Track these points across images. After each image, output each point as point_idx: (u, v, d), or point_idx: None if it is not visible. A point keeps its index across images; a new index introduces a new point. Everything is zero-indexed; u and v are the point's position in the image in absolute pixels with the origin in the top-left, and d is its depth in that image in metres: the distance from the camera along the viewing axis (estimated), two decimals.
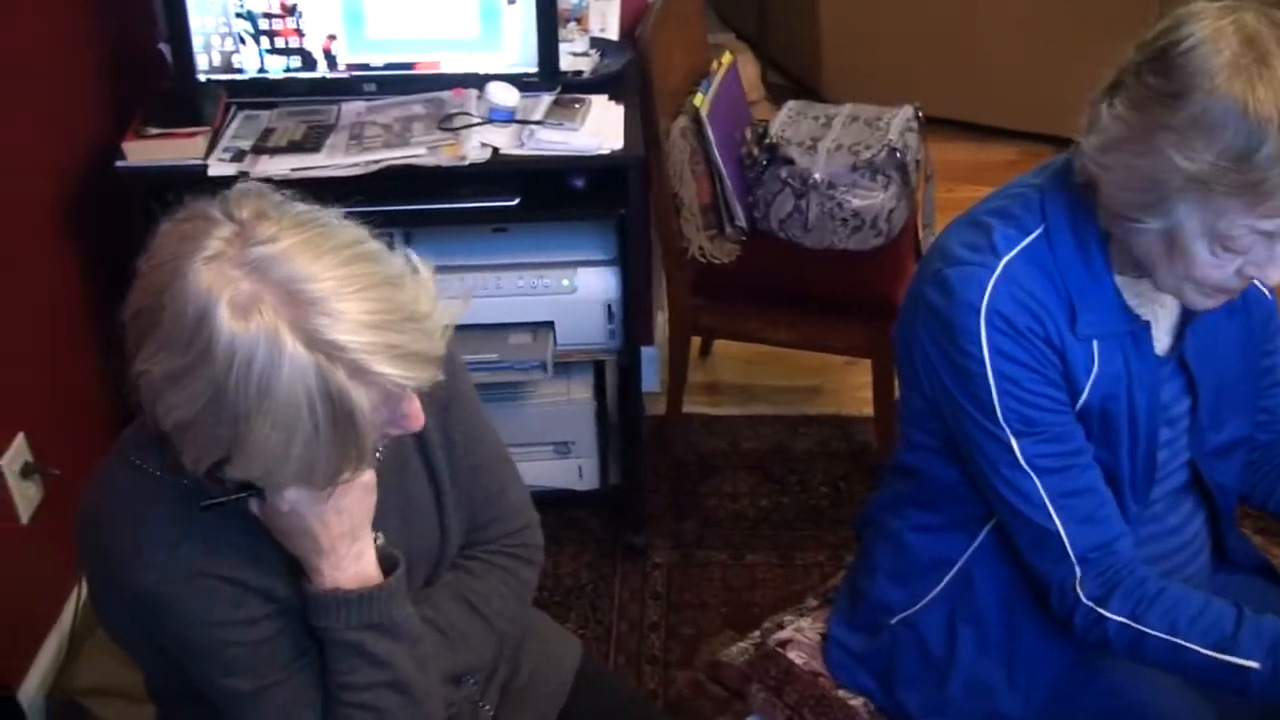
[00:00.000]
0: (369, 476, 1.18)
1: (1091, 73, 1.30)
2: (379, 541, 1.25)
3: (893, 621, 1.54)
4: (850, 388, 3.11)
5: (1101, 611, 1.32)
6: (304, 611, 1.20)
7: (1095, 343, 1.33)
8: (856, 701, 1.59)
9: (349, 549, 1.19)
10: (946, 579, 1.49)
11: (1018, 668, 1.46)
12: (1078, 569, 1.33)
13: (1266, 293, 1.48)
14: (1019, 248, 1.32)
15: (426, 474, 1.34)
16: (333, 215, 1.09)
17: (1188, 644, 1.28)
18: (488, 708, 1.44)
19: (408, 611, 1.24)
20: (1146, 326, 1.37)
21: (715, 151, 2.51)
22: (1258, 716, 1.46)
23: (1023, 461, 1.32)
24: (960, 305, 1.30)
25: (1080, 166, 1.28)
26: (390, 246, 2.26)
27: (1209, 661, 1.28)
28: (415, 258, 1.12)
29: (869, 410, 2.79)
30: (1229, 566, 1.59)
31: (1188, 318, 1.41)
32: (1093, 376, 1.33)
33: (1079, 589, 1.33)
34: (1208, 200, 1.17)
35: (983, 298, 1.29)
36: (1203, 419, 1.45)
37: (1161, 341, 1.41)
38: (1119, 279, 1.34)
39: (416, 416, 1.12)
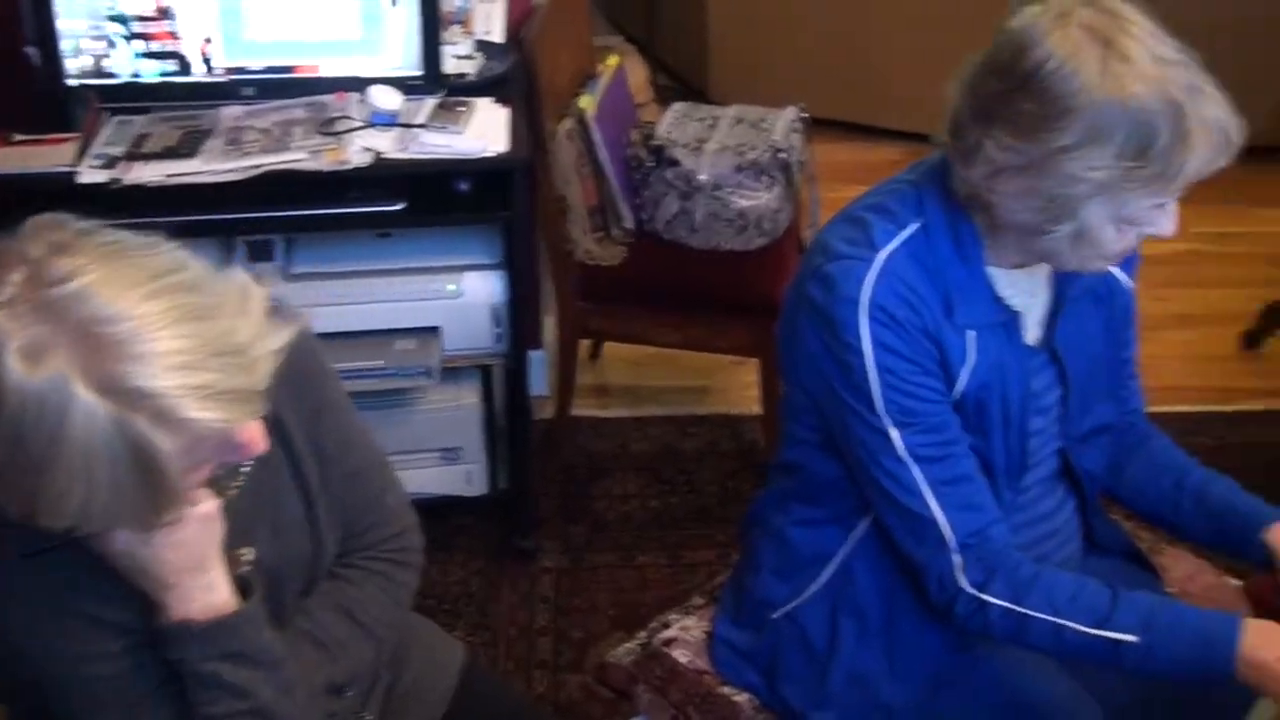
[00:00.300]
0: (208, 507, 1.13)
1: None
2: (248, 558, 1.22)
3: (775, 616, 1.55)
4: (738, 387, 3.12)
5: (984, 597, 1.34)
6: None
7: (970, 334, 1.36)
8: (741, 698, 1.59)
9: (195, 581, 1.14)
10: (827, 573, 1.50)
11: (898, 658, 1.48)
12: (957, 556, 1.35)
13: (1125, 281, 1.53)
14: (897, 242, 1.34)
15: (297, 485, 1.31)
16: (147, 240, 1.02)
17: (1069, 623, 1.30)
18: (369, 717, 1.42)
19: (266, 637, 1.20)
20: (1017, 317, 1.41)
21: (602, 153, 2.50)
22: (1130, 698, 1.51)
23: (902, 452, 1.33)
24: (840, 299, 1.32)
25: (968, 192, 1.31)
26: (270, 254, 2.24)
27: (1089, 639, 1.30)
28: (249, 278, 1.07)
29: (757, 409, 2.81)
30: (1098, 551, 1.63)
31: (1057, 308, 1.45)
32: (968, 366, 1.36)
33: (959, 576, 1.34)
34: (1115, 196, 1.23)
35: (862, 291, 1.31)
36: (1073, 406, 1.49)
37: (1032, 333, 1.45)
38: (991, 270, 1.38)
39: (253, 444, 1.07)
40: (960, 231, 1.35)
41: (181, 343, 0.96)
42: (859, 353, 1.31)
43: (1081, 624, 1.30)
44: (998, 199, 1.28)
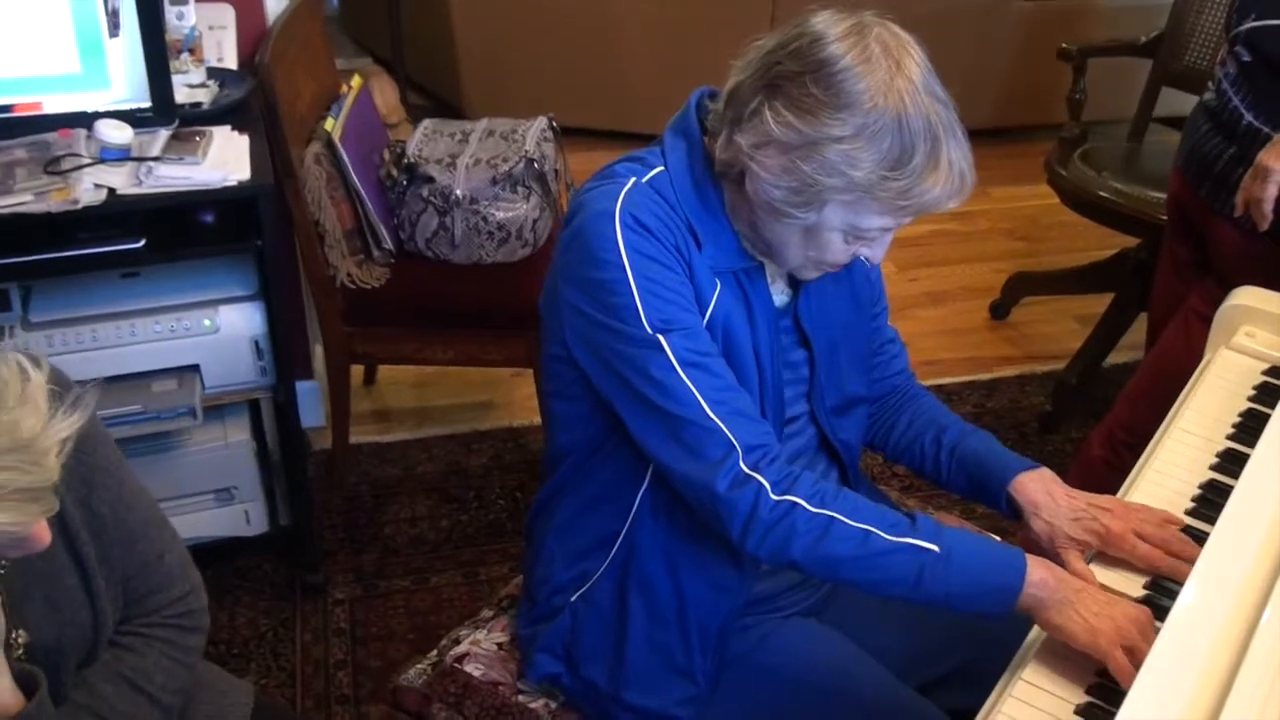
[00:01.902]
0: None
1: (711, 73, 1.35)
2: (21, 640, 1.17)
3: (572, 600, 1.54)
4: (520, 399, 3.13)
5: (791, 498, 1.31)
6: None
7: (715, 274, 1.39)
8: (537, 704, 1.59)
9: None
10: (613, 550, 1.50)
11: (689, 622, 1.48)
12: (745, 457, 1.31)
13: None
14: (644, 177, 1.38)
15: (71, 558, 1.25)
16: None
17: (875, 529, 1.31)
18: None
19: None
20: (761, 268, 1.44)
21: (352, 175, 2.45)
22: (904, 654, 1.55)
23: (671, 357, 1.32)
24: (594, 215, 1.34)
25: (727, 158, 1.34)
26: (7, 304, 2.12)
27: (895, 546, 1.30)
28: (24, 359, 1.00)
29: (539, 419, 2.79)
30: None
31: (797, 283, 1.49)
32: (715, 296, 1.38)
33: (758, 474, 1.31)
34: (858, 202, 1.28)
35: (615, 204, 1.34)
36: (820, 378, 1.52)
37: (779, 295, 1.48)
38: (734, 225, 1.42)
39: (39, 539, 1.02)
40: (701, 183, 1.39)
41: None
42: (617, 265, 1.32)
43: (886, 532, 1.31)
44: (757, 168, 1.30)
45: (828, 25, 1.28)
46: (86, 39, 2.08)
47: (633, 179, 1.37)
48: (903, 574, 1.31)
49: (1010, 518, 1.52)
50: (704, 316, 1.37)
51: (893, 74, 1.25)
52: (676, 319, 1.33)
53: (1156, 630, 1.23)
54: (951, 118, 1.28)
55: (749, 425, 1.34)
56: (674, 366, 1.32)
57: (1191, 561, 1.28)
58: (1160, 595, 1.32)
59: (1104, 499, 1.46)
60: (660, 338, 1.32)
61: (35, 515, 0.97)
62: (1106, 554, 1.41)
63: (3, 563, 1.17)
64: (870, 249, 1.37)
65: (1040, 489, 1.49)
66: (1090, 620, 1.24)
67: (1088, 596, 1.27)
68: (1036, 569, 1.30)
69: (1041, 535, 1.46)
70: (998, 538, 1.83)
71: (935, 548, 1.30)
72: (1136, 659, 1.19)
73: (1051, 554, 1.42)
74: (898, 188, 1.26)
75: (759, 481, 1.31)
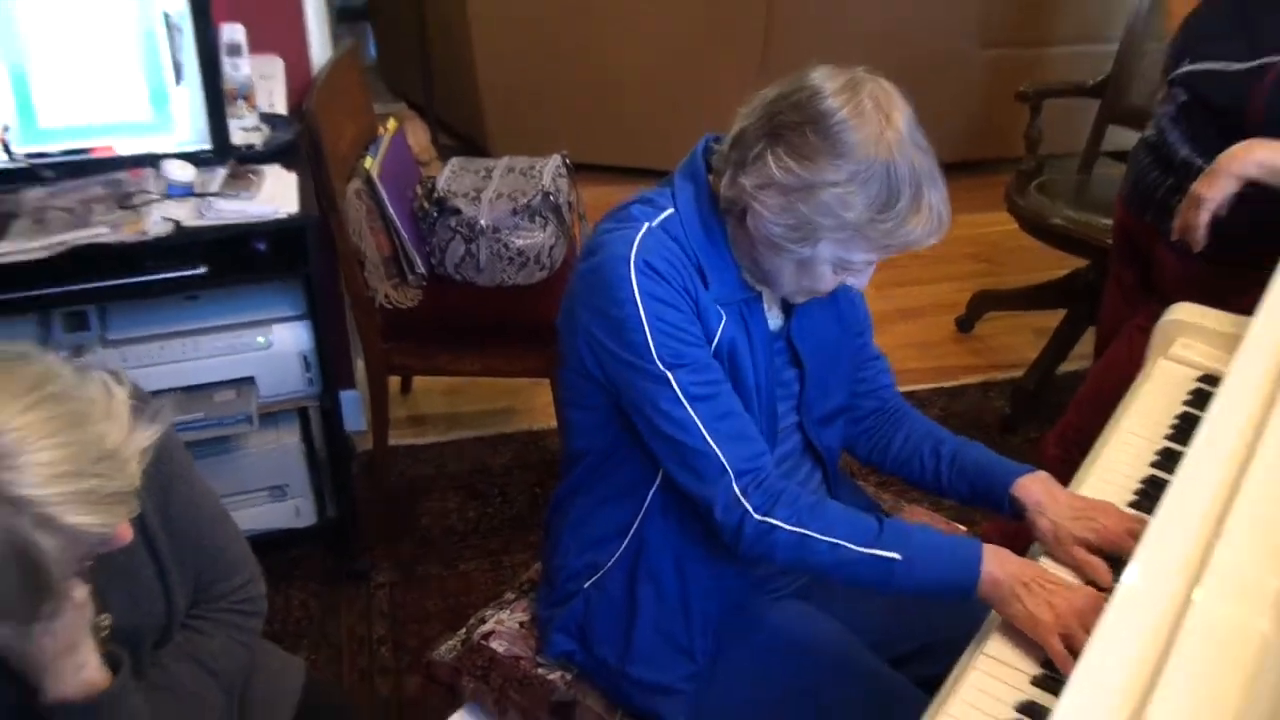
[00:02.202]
0: (80, 595, 1.09)
1: (708, 115, 1.35)
2: (105, 624, 1.18)
3: (585, 587, 1.54)
4: (539, 405, 3.12)
5: (771, 521, 1.34)
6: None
7: (720, 305, 1.40)
8: (554, 676, 1.59)
9: (68, 662, 1.11)
10: (624, 542, 1.50)
11: (692, 608, 1.48)
12: (736, 482, 1.35)
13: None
14: (657, 220, 1.38)
15: (150, 556, 1.26)
16: (20, 350, 0.98)
17: (844, 542, 1.32)
18: None
19: (133, 704, 1.17)
20: (759, 297, 1.45)
21: (389, 208, 2.46)
22: (883, 631, 1.55)
23: (678, 391, 1.34)
24: (611, 259, 1.35)
25: (732, 196, 1.35)
26: (86, 324, 2.14)
27: (862, 556, 1.32)
28: (109, 378, 1.02)
29: (556, 423, 2.79)
30: None
31: (789, 307, 1.50)
32: (720, 327, 1.39)
33: (745, 500, 1.35)
34: (849, 240, 1.30)
35: (630, 249, 1.34)
36: (809, 393, 1.53)
37: (774, 320, 1.49)
38: (735, 257, 1.43)
39: (123, 537, 1.03)
40: (706, 218, 1.40)
41: (59, 452, 0.92)
42: (632, 304, 1.33)
43: (855, 544, 1.32)
44: (759, 207, 1.32)
45: (825, 80, 1.29)
46: (155, 88, 2.09)
47: (646, 224, 1.37)
48: (870, 578, 1.33)
49: (1013, 518, 1.50)
50: (711, 345, 1.38)
51: (883, 127, 1.26)
52: (684, 355, 1.34)
53: None
54: (932, 165, 1.29)
55: (743, 450, 1.36)
56: (680, 399, 1.34)
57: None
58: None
59: (1099, 501, 1.45)
60: (669, 373, 1.33)
61: (121, 516, 0.98)
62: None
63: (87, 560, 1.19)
64: (856, 279, 1.38)
65: (1042, 490, 1.47)
66: (1033, 610, 1.24)
67: (1036, 587, 1.27)
68: (990, 564, 1.30)
69: (1046, 532, 1.43)
70: (964, 528, 1.85)
71: (898, 555, 1.31)
72: (1074, 645, 1.19)
73: (1056, 549, 1.41)
74: (884, 229, 1.27)
75: (745, 506, 1.34)
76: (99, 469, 0.95)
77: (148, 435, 1.01)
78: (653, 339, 1.33)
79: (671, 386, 1.34)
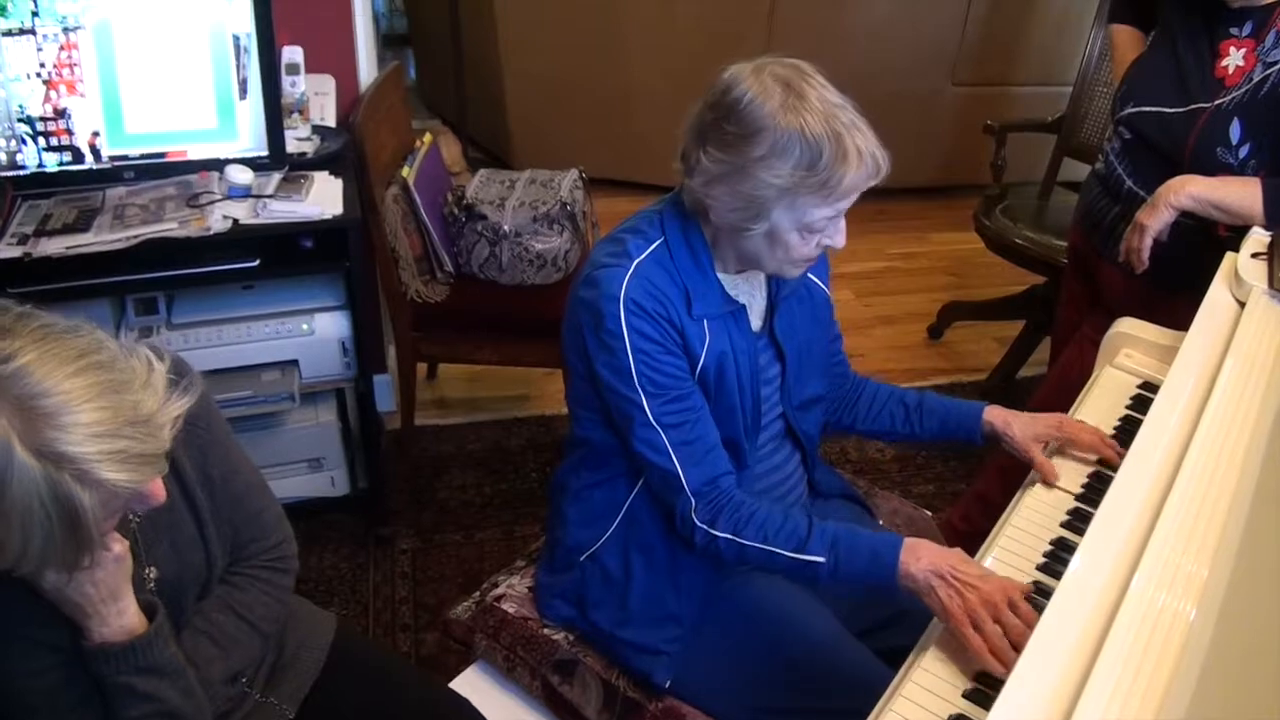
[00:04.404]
0: (119, 549, 1.11)
1: None
2: (153, 575, 1.20)
3: (582, 559, 1.55)
4: (551, 393, 3.13)
5: (713, 532, 1.37)
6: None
7: (706, 322, 1.40)
8: (558, 635, 1.59)
9: (110, 609, 1.12)
10: (618, 518, 1.51)
11: (680, 578, 1.49)
12: (692, 500, 1.38)
13: (821, 286, 1.60)
14: (646, 253, 1.38)
15: (190, 511, 1.27)
16: (71, 324, 0.99)
17: (776, 549, 1.34)
18: (256, 695, 1.37)
19: (170, 651, 1.18)
20: (744, 309, 1.45)
21: (422, 212, 2.46)
22: (851, 602, 1.56)
23: (651, 417, 1.36)
24: (605, 297, 1.34)
25: (691, 201, 1.37)
26: (155, 309, 2.16)
27: (792, 561, 1.34)
28: (151, 353, 1.04)
29: (565, 410, 2.78)
30: (822, 495, 1.68)
31: (773, 305, 1.50)
32: (706, 347, 1.39)
33: (694, 516, 1.38)
34: (794, 203, 1.28)
35: (620, 289, 1.34)
36: (790, 380, 1.53)
37: (756, 322, 1.49)
38: (721, 275, 1.43)
39: (156, 496, 1.04)
40: (693, 243, 1.40)
41: (99, 414, 0.93)
42: (620, 338, 1.34)
43: (785, 550, 1.34)
44: (712, 202, 1.33)
45: (734, 74, 1.29)
46: (223, 101, 2.11)
47: (635, 261, 1.36)
48: (801, 576, 1.37)
49: (980, 444, 1.59)
50: (699, 363, 1.39)
51: (787, 96, 1.25)
52: (661, 385, 1.36)
53: (1031, 600, 1.23)
54: (852, 117, 1.27)
55: (703, 473, 1.38)
56: (652, 423, 1.36)
57: (1119, 454, 1.43)
58: (1039, 595, 1.30)
59: (1046, 414, 1.56)
60: (645, 400, 1.35)
61: (149, 475, 0.99)
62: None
63: (135, 517, 1.19)
64: (830, 239, 1.35)
65: (1003, 415, 1.57)
66: (945, 602, 1.23)
67: (950, 580, 1.25)
68: (906, 562, 1.29)
69: (1017, 442, 1.53)
70: (929, 513, 1.85)
71: (822, 559, 1.32)
72: (986, 635, 1.18)
73: (1022, 451, 1.52)
74: (819, 181, 1.26)
75: (694, 521, 1.38)
76: (134, 432, 0.96)
77: (180, 405, 1.02)
78: (635, 369, 1.34)
79: (645, 411, 1.35)
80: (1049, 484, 1.49)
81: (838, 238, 1.36)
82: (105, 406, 0.94)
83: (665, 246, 1.39)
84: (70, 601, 1.10)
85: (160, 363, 1.03)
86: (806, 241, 1.34)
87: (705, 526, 1.37)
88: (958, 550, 1.30)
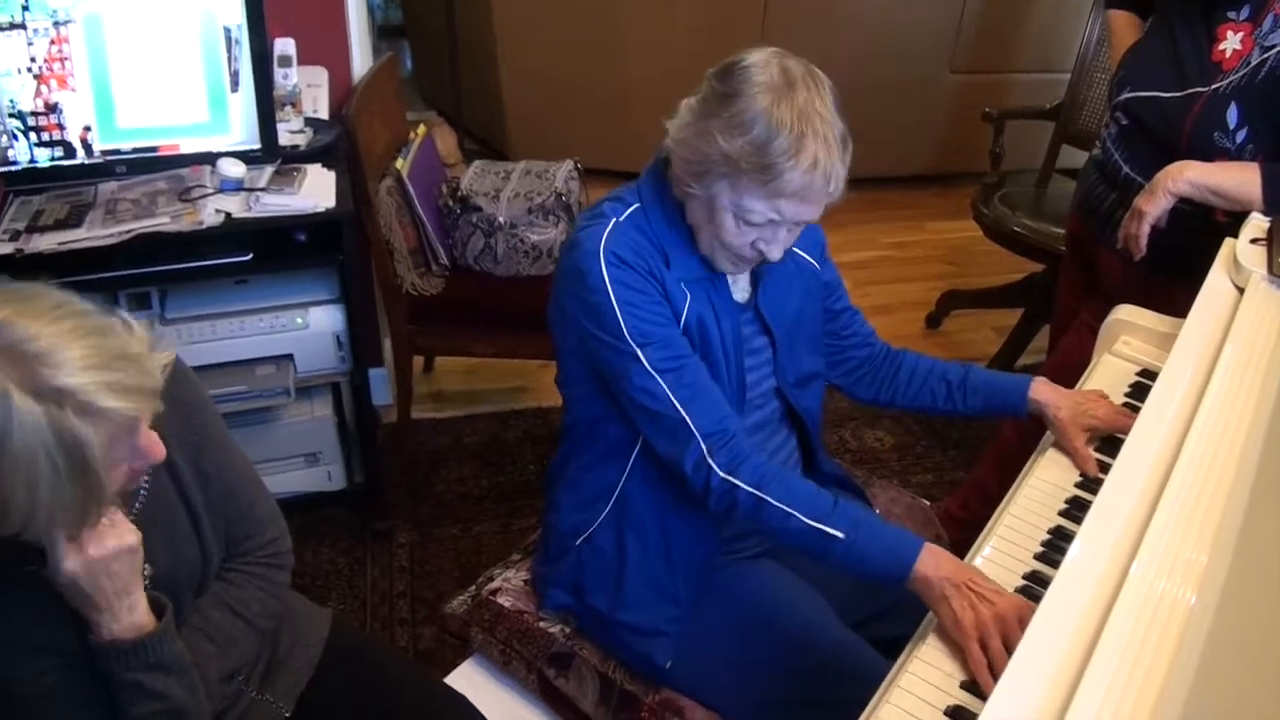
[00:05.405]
0: (133, 540, 1.11)
1: None
2: (148, 572, 1.19)
3: (577, 542, 1.55)
4: (547, 384, 3.11)
5: (734, 480, 1.33)
6: (91, 658, 1.14)
7: (684, 284, 1.40)
8: (554, 629, 1.58)
9: (122, 604, 1.12)
10: (611, 501, 1.50)
11: (674, 559, 1.49)
12: (704, 443, 1.34)
13: (812, 261, 1.60)
14: (624, 215, 1.39)
15: (184, 509, 1.27)
16: (37, 286, 1.00)
17: (795, 512, 1.31)
18: (252, 692, 1.37)
19: (177, 649, 1.18)
20: (723, 275, 1.45)
21: (417, 205, 2.45)
22: (845, 593, 1.55)
23: (648, 366, 1.34)
24: (585, 253, 1.35)
25: (665, 146, 1.40)
26: (148, 304, 2.16)
27: (808, 528, 1.30)
28: (127, 316, 1.05)
29: (561, 402, 2.78)
30: (820, 480, 1.65)
31: (756, 278, 1.50)
32: (686, 305, 1.40)
33: (710, 460, 1.34)
34: (736, 180, 1.29)
35: (600, 244, 1.35)
36: (781, 356, 1.53)
37: (741, 293, 1.49)
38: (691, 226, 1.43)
39: (155, 446, 1.05)
40: (668, 209, 1.41)
41: (88, 350, 0.95)
42: (604, 292, 1.34)
43: (806, 516, 1.31)
44: (674, 149, 1.35)
45: (756, 49, 1.31)
46: (214, 94, 2.10)
47: (614, 220, 1.38)
48: (811, 548, 1.32)
49: (1025, 418, 1.60)
50: (680, 321, 1.39)
51: (778, 82, 1.27)
52: (651, 334, 1.34)
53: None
54: (830, 132, 1.27)
55: (709, 415, 1.35)
56: (650, 372, 1.34)
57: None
58: (1037, 584, 1.30)
59: (1090, 393, 1.57)
60: (639, 350, 1.34)
61: (147, 407, 1.00)
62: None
63: (131, 515, 1.18)
64: (766, 245, 1.35)
65: (1050, 390, 1.57)
66: (958, 613, 1.20)
67: (966, 591, 1.21)
68: (925, 563, 1.26)
69: (1063, 422, 1.53)
70: (927, 502, 1.85)
71: (841, 535, 1.29)
72: (991, 653, 1.16)
73: (1065, 437, 1.52)
74: (761, 164, 1.26)
75: (710, 465, 1.34)
76: (124, 365, 0.97)
77: (166, 355, 1.05)
78: (624, 320, 1.33)
79: (642, 361, 1.34)
80: (1085, 473, 1.49)
81: (774, 249, 1.36)
82: (92, 345, 0.96)
83: (642, 211, 1.40)
84: (82, 594, 1.09)
85: (136, 325, 1.04)
86: (740, 231, 1.34)
87: (725, 475, 1.33)
88: (975, 566, 1.29)
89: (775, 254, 1.36)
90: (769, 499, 1.32)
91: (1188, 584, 1.04)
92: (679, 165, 1.35)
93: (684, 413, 1.34)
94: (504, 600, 1.62)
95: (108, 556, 1.08)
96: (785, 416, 1.58)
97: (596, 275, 1.33)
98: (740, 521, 1.37)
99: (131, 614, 1.13)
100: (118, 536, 1.09)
